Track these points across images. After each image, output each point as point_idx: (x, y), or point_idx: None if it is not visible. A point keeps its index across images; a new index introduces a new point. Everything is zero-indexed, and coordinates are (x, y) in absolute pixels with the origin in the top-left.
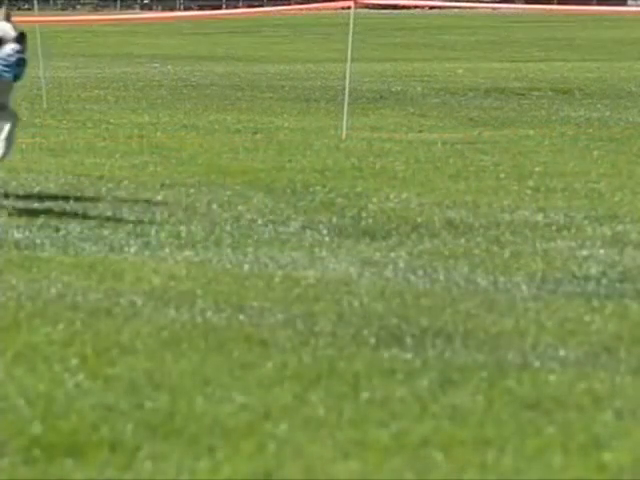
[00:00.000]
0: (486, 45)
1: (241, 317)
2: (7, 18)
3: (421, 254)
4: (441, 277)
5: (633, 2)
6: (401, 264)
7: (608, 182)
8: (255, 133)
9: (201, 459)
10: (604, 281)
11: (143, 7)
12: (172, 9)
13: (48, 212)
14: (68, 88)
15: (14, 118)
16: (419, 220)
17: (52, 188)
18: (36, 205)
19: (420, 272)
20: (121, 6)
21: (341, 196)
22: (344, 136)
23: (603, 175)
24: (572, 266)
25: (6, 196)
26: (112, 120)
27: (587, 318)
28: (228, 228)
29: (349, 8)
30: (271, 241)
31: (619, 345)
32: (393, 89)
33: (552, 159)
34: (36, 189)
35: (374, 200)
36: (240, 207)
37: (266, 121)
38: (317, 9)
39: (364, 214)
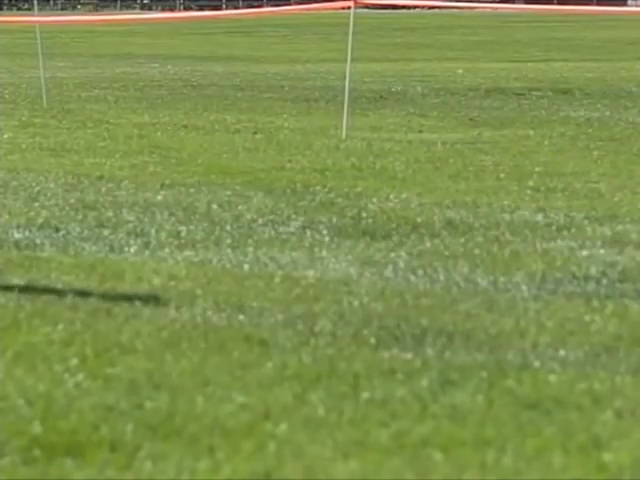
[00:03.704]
0: (486, 45)
1: (241, 317)
2: None
3: (421, 254)
4: (441, 277)
5: (633, 2)
6: (401, 264)
7: (608, 182)
8: (255, 133)
9: (201, 459)
10: (604, 281)
11: (143, 7)
12: (172, 9)
13: (48, 212)
14: (68, 88)
15: None
16: (419, 220)
17: (52, 188)
18: (36, 205)
19: (420, 272)
20: (121, 6)
21: (341, 196)
22: (344, 136)
23: (603, 175)
24: (572, 266)
25: None
26: (112, 120)
27: (587, 318)
28: (228, 228)
29: (349, 8)
30: (271, 241)
31: (619, 345)
32: (393, 89)
33: (552, 159)
34: (36, 189)
35: (374, 200)
36: (240, 207)
37: (266, 121)
38: (317, 9)
39: (364, 214)
